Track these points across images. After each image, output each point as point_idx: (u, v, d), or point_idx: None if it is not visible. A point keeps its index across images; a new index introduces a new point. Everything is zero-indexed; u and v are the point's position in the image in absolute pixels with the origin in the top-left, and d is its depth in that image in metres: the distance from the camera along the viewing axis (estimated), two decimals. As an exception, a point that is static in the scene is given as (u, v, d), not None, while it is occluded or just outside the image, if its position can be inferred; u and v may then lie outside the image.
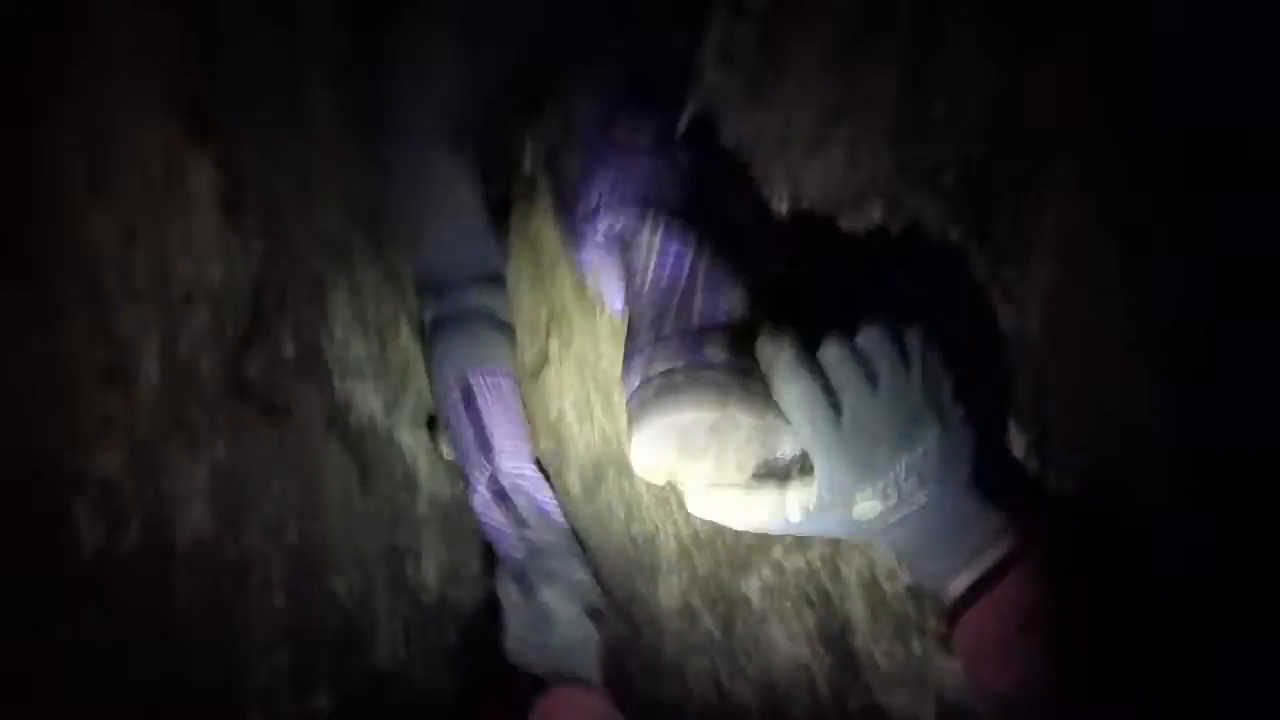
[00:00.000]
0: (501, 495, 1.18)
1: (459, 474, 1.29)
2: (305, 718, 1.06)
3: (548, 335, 1.23)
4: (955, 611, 0.76)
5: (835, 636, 0.91)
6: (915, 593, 0.85)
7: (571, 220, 0.97)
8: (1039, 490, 0.78)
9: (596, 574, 1.19)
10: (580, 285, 1.18)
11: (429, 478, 1.29)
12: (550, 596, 1.10)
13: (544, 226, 1.27)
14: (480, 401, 1.21)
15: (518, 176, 1.29)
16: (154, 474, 0.90)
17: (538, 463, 1.24)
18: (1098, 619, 0.72)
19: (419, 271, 1.29)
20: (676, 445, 0.76)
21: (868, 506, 0.73)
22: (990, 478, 0.76)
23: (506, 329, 1.27)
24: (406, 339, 1.32)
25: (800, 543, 0.93)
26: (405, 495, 1.23)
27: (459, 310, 1.25)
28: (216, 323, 1.00)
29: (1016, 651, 0.72)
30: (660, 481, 0.82)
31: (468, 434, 1.20)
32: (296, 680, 1.04)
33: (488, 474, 1.19)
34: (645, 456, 0.78)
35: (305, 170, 1.25)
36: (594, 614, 1.11)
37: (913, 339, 0.73)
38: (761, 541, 0.96)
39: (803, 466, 0.76)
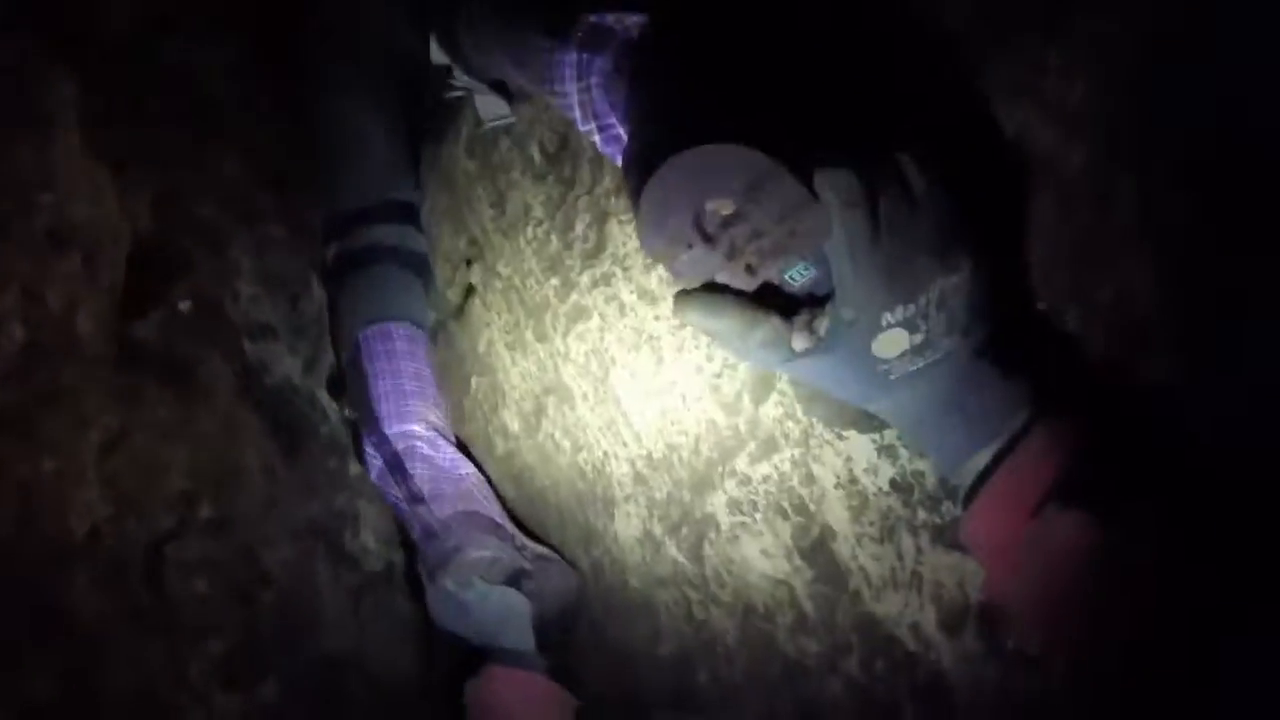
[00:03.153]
0: (396, 465, 1.07)
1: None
2: (252, 712, 0.96)
3: (469, 264, 1.13)
4: (974, 487, 0.65)
5: (815, 545, 0.82)
6: (900, 485, 0.76)
7: (538, 64, 0.86)
8: (1060, 361, 0.68)
9: (537, 524, 1.09)
10: (500, 208, 1.08)
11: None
12: (449, 582, 1.01)
13: (456, 153, 1.17)
14: (367, 362, 1.09)
15: (425, 103, 1.19)
16: (29, 448, 0.80)
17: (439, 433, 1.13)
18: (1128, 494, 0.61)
19: (327, 214, 1.17)
20: (691, 210, 0.62)
21: (892, 338, 0.62)
22: (1012, 343, 0.67)
23: (417, 265, 1.16)
24: (319, 295, 1.21)
25: (766, 447, 0.84)
26: (334, 459, 1.13)
27: (364, 246, 1.13)
28: (92, 270, 0.90)
29: (1041, 524, 0.62)
30: (661, 260, 0.67)
31: (356, 400, 1.09)
32: (235, 670, 0.95)
33: (375, 439, 1.08)
34: (655, 206, 0.63)
35: (194, 116, 1.14)
36: (511, 580, 1.02)
37: (947, 166, 0.63)
38: (722, 452, 0.88)
39: (817, 302, 0.65)
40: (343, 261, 1.12)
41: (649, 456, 0.95)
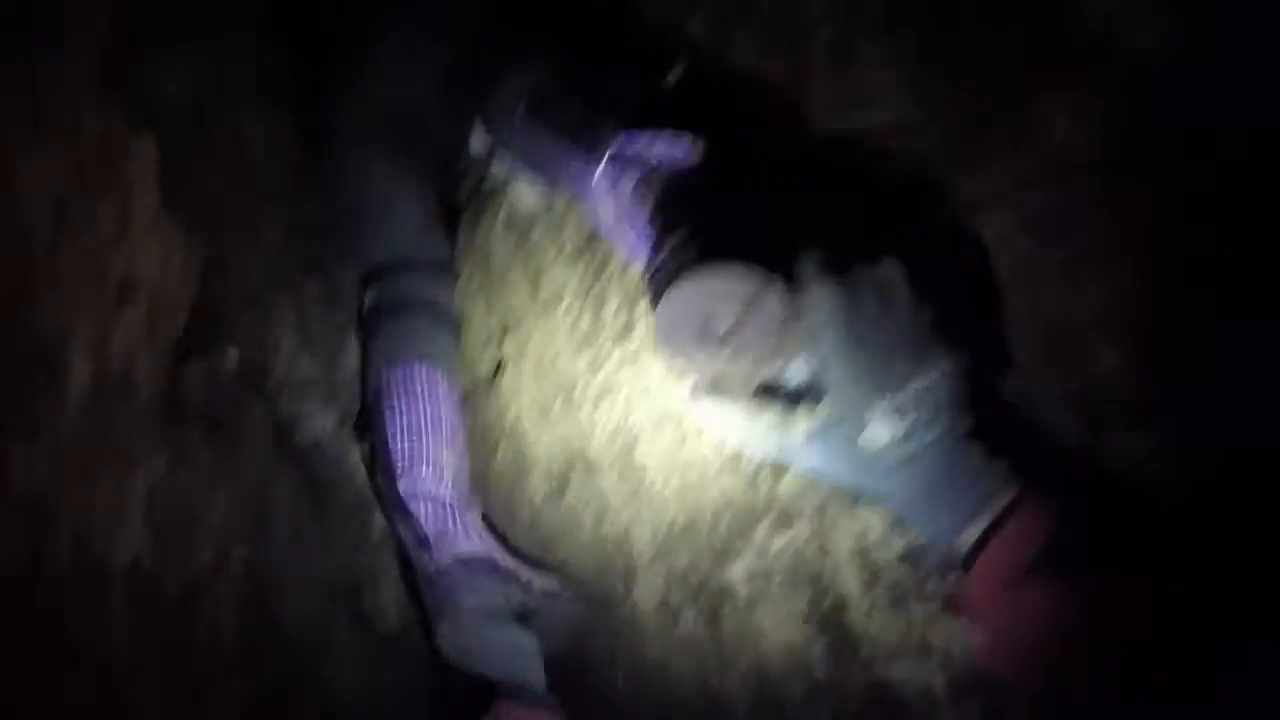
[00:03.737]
0: (404, 510, 1.07)
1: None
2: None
3: (501, 341, 1.18)
4: (969, 560, 0.72)
5: (828, 614, 0.85)
6: (911, 556, 0.80)
7: (570, 159, 0.97)
8: (1040, 440, 0.76)
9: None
10: (535, 285, 1.14)
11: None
12: (447, 627, 1.02)
13: (492, 235, 1.23)
14: (385, 401, 1.10)
15: (463, 180, 1.26)
16: (86, 490, 0.83)
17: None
18: (1105, 558, 0.69)
19: (363, 267, 1.21)
20: (700, 321, 0.74)
21: (878, 431, 0.71)
22: (992, 427, 0.75)
23: (448, 318, 1.20)
24: (354, 355, 1.25)
25: (784, 519, 0.88)
26: (360, 517, 1.16)
27: (398, 297, 1.16)
28: (153, 325, 0.95)
29: (1028, 589, 0.69)
30: (672, 366, 0.80)
31: (377, 442, 1.11)
32: (252, 714, 0.97)
33: (389, 483, 1.09)
34: (670, 322, 0.76)
35: (244, 184, 1.20)
36: (521, 616, 1.04)
37: (924, 274, 0.73)
38: (741, 524, 0.91)
39: (811, 398, 0.75)
40: (377, 310, 1.16)
41: (670, 529, 0.98)
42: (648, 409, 1.00)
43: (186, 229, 1.04)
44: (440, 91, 1.21)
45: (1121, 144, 0.74)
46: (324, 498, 1.12)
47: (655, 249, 0.85)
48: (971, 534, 0.72)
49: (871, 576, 0.83)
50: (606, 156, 0.93)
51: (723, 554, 0.93)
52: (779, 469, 0.90)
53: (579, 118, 0.98)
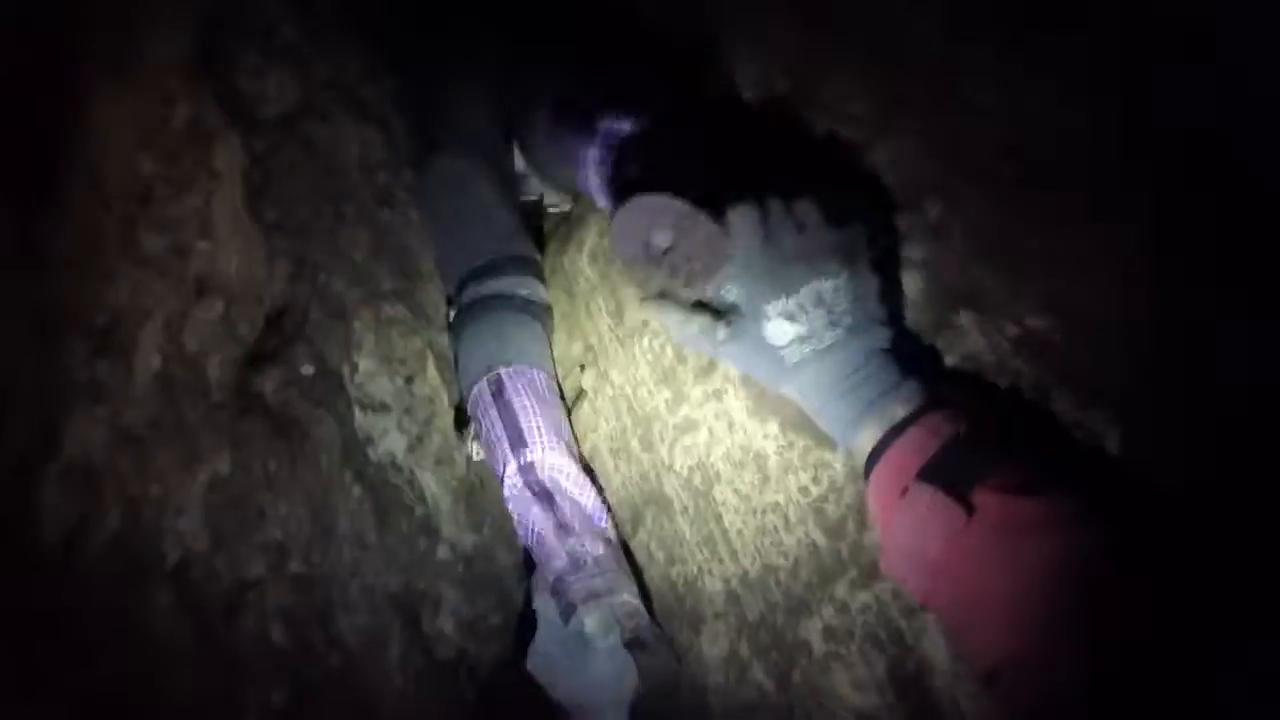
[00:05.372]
0: (543, 494, 1.06)
1: (484, 515, 1.18)
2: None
3: (583, 369, 1.14)
4: (868, 467, 0.77)
5: (910, 680, 0.79)
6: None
7: (573, 161, 1.07)
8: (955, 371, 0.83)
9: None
10: (618, 316, 1.10)
11: (451, 522, 1.18)
12: (590, 621, 0.97)
13: (578, 262, 1.20)
14: (510, 394, 1.10)
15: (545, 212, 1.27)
16: (141, 469, 0.81)
17: (586, 469, 1.12)
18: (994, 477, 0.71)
19: (451, 273, 1.23)
20: (641, 241, 0.86)
21: (778, 327, 0.81)
22: (905, 355, 0.82)
23: (539, 311, 1.18)
24: (433, 378, 1.23)
25: (868, 575, 0.82)
26: (424, 539, 1.13)
27: (488, 293, 1.17)
28: (230, 320, 0.93)
29: (914, 498, 0.73)
30: (625, 274, 0.98)
31: (497, 428, 1.09)
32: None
33: (522, 466, 1.07)
34: (615, 239, 0.87)
35: (332, 193, 1.19)
36: (634, 643, 0.98)
37: (836, 207, 0.84)
38: (821, 577, 0.86)
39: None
40: (476, 305, 1.16)
41: (744, 576, 0.93)
42: (729, 448, 0.95)
43: (271, 231, 1.02)
44: (494, 114, 1.28)
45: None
46: (389, 518, 1.09)
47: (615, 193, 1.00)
48: (869, 437, 0.77)
49: (961, 642, 0.76)
50: (595, 142, 1.04)
51: (800, 608, 0.88)
52: (866, 519, 0.84)
53: (588, 115, 1.06)
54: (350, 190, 1.20)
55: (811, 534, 0.88)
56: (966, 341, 0.82)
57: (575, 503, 1.05)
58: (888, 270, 0.86)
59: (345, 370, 1.12)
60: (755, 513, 0.92)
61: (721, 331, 0.83)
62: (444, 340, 1.23)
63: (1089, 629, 0.63)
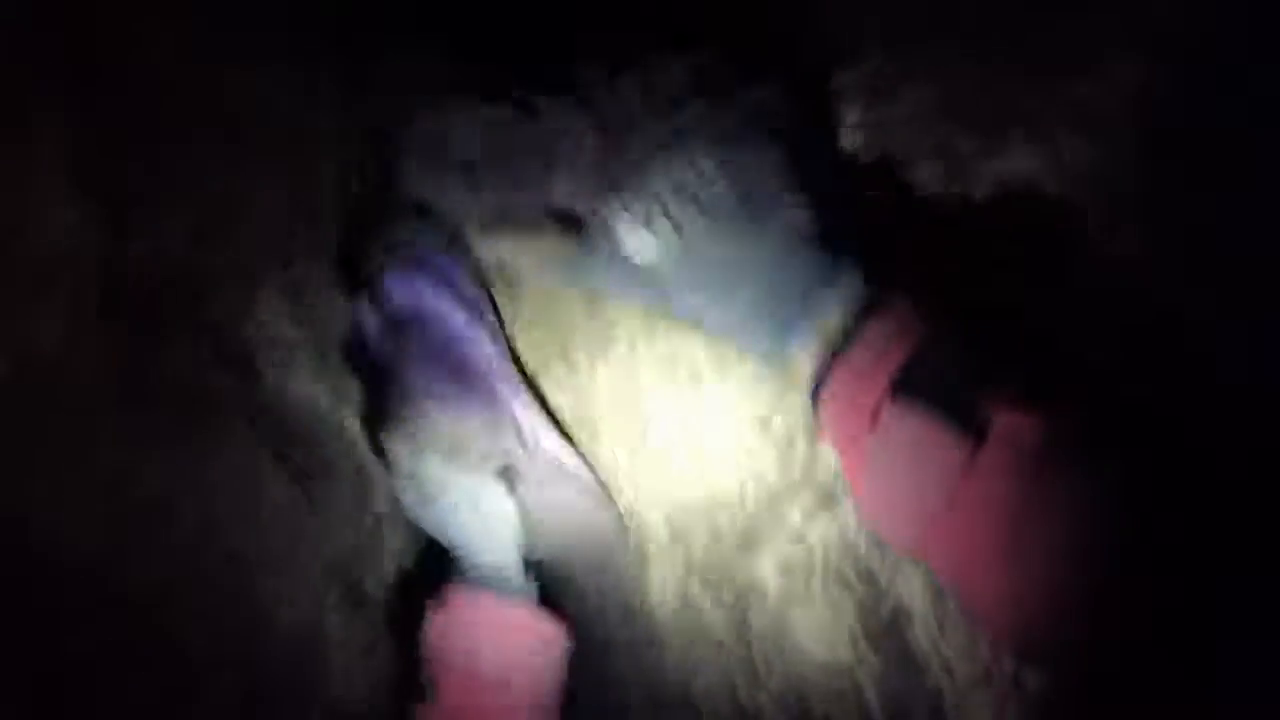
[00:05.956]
0: (400, 319, 0.89)
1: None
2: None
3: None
4: (815, 391, 0.61)
5: (885, 628, 0.65)
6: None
7: None
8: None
9: (556, 582, 0.90)
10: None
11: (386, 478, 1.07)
12: (401, 449, 0.83)
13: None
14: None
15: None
16: (16, 495, 0.73)
17: None
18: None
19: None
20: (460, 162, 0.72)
21: (636, 241, 0.65)
22: (835, 240, 0.63)
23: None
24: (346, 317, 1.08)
25: (825, 499, 0.68)
26: (359, 492, 1.01)
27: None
28: (82, 302, 0.80)
29: (891, 423, 0.55)
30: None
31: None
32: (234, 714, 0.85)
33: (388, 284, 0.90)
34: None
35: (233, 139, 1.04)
36: (505, 474, 0.82)
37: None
38: (771, 501, 0.72)
39: None
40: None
41: (685, 505, 0.79)
42: (658, 363, 0.80)
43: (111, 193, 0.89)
44: None
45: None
46: (317, 477, 0.98)
47: None
48: (804, 351, 0.61)
49: (942, 579, 0.62)
50: None
51: (750, 539, 0.74)
52: (813, 438, 0.70)
53: None
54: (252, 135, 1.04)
55: (757, 451, 0.74)
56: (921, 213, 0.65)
57: (442, 324, 0.87)
58: (806, 139, 0.67)
59: (245, 326, 0.99)
60: (691, 431, 0.78)
61: (575, 248, 0.67)
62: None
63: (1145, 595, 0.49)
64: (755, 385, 0.74)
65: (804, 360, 0.62)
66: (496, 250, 0.78)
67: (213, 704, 0.84)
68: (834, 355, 0.60)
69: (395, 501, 1.03)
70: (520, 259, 0.72)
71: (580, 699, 0.84)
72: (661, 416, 0.81)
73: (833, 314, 0.60)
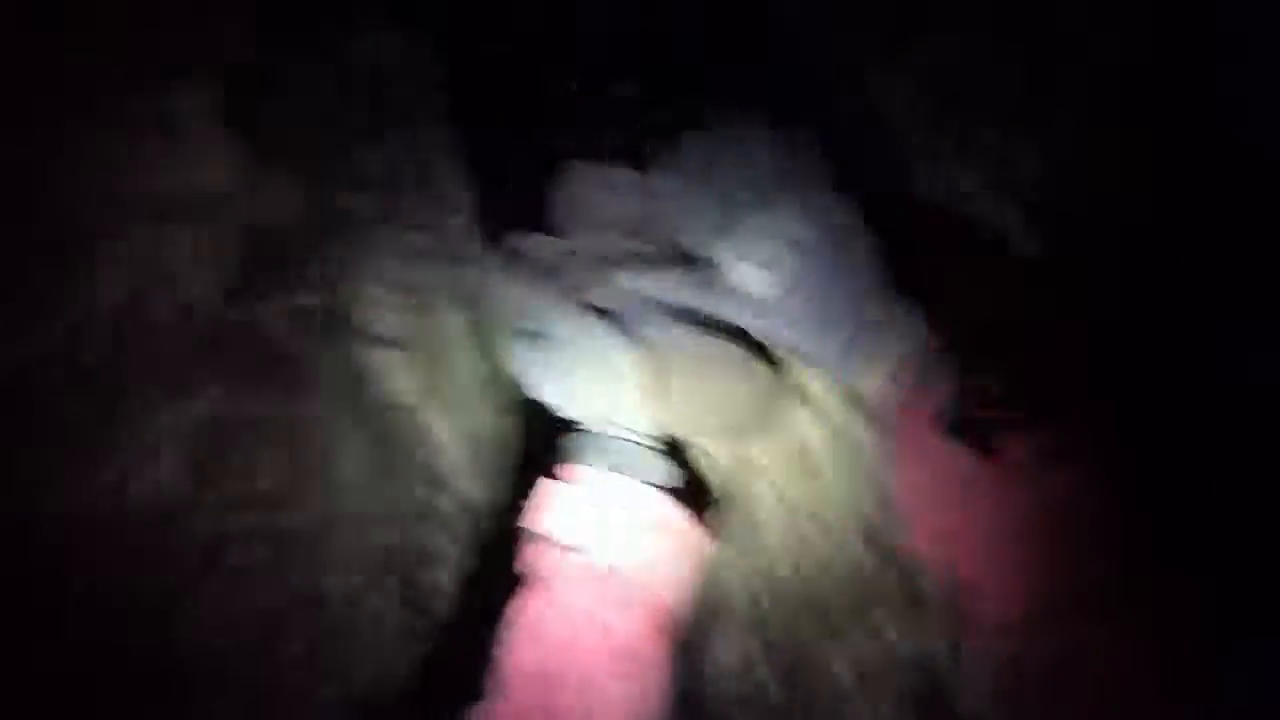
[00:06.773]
0: None
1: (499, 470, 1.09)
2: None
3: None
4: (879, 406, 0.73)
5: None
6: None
7: None
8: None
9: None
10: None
11: (460, 475, 1.09)
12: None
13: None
14: None
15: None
16: (107, 409, 0.74)
17: None
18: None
19: None
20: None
21: (754, 276, 0.75)
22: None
23: None
24: (452, 314, 1.12)
25: (913, 603, 0.71)
26: (426, 489, 1.03)
27: None
28: (212, 244, 0.83)
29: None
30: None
31: None
32: (252, 695, 0.85)
33: None
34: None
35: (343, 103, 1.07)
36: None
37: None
38: (859, 600, 0.75)
39: None
40: None
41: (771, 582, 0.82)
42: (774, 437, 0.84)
43: (264, 141, 0.92)
44: None
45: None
46: (392, 462, 1.00)
47: None
48: (870, 376, 0.72)
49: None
50: None
51: (830, 631, 0.77)
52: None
53: None
54: (372, 107, 1.08)
55: (857, 549, 0.77)
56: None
57: None
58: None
59: (352, 300, 1.01)
60: (798, 514, 0.81)
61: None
62: (470, 276, 1.11)
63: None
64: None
65: (878, 387, 0.72)
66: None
67: (222, 670, 0.86)
68: (895, 383, 0.71)
69: (463, 511, 1.06)
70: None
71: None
72: (767, 495, 0.84)
73: (897, 346, 0.71)
